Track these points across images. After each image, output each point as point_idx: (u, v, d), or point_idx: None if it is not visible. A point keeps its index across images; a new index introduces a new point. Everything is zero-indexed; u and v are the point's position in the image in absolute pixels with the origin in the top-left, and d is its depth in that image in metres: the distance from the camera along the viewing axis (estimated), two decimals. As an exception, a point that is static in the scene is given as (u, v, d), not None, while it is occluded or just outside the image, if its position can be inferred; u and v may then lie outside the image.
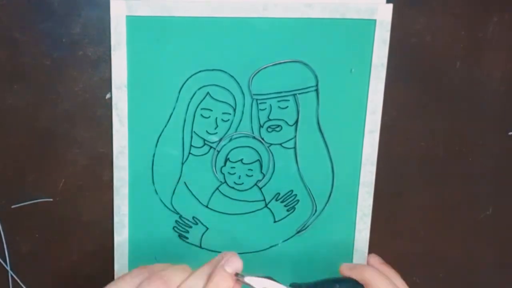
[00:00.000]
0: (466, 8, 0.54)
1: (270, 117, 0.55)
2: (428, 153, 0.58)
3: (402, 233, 0.60)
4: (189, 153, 0.56)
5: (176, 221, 0.58)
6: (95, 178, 0.56)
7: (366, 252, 0.59)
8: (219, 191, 0.57)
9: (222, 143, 0.56)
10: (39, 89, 0.54)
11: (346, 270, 0.52)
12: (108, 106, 0.54)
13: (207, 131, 0.56)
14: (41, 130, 0.55)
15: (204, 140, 0.56)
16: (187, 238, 0.58)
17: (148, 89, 0.54)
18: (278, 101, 0.55)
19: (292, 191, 0.57)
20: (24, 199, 0.56)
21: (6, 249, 0.57)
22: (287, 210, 0.58)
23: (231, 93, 0.54)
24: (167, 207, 0.57)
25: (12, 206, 0.56)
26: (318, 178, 0.57)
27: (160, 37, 0.53)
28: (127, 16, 0.52)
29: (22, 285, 0.58)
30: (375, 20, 0.53)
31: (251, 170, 0.57)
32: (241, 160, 0.56)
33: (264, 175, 0.57)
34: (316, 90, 0.55)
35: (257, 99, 0.55)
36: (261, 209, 0.58)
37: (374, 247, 0.59)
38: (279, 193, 0.57)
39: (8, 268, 0.58)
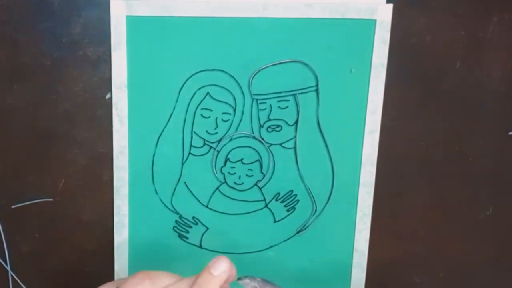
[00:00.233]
0: (466, 8, 0.54)
1: (270, 117, 0.55)
2: (428, 153, 0.58)
3: (402, 233, 0.60)
4: (189, 153, 0.56)
5: (176, 221, 0.58)
6: (95, 178, 0.56)
7: (366, 253, 0.59)
8: (219, 191, 0.57)
9: (222, 143, 0.56)
10: (39, 89, 0.54)
11: None
12: (108, 106, 0.54)
13: (207, 131, 0.56)
14: (41, 130, 0.55)
15: (204, 140, 0.56)
16: (187, 238, 0.58)
17: (148, 89, 0.54)
18: (278, 101, 0.55)
19: (292, 191, 0.57)
20: (24, 199, 0.56)
21: (6, 249, 0.57)
22: (287, 210, 0.58)
23: (231, 93, 0.54)
24: (167, 207, 0.57)
25: (12, 206, 0.56)
26: (318, 178, 0.57)
27: (160, 37, 0.53)
28: (127, 16, 0.52)
29: (22, 285, 0.58)
30: (375, 20, 0.53)
31: (251, 170, 0.57)
32: (241, 160, 0.56)
33: (264, 175, 0.57)
34: (316, 90, 0.55)
35: (257, 99, 0.55)
36: (261, 209, 0.58)
37: (374, 247, 0.59)
38: (279, 193, 0.57)
39: (8, 268, 0.58)
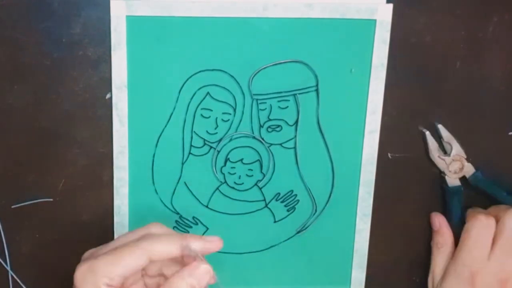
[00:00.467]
0: (466, 8, 0.54)
1: (270, 117, 0.55)
2: (428, 153, 0.58)
3: (402, 233, 0.60)
4: (189, 153, 0.56)
5: (176, 221, 0.58)
6: (95, 178, 0.56)
7: (366, 253, 0.59)
8: (219, 191, 0.57)
9: (222, 143, 0.56)
10: (39, 89, 0.54)
11: None
12: (108, 106, 0.54)
13: (207, 131, 0.56)
14: (41, 130, 0.55)
15: (204, 140, 0.56)
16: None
17: (148, 89, 0.54)
18: (278, 101, 0.55)
19: (292, 191, 0.57)
20: (24, 199, 0.56)
21: (6, 249, 0.57)
22: (287, 210, 0.58)
23: (231, 93, 0.54)
24: (167, 207, 0.57)
25: (12, 206, 0.56)
26: (318, 178, 0.57)
27: (160, 37, 0.53)
28: (127, 16, 0.52)
29: (22, 285, 0.58)
30: (375, 20, 0.53)
31: (251, 170, 0.57)
32: (241, 160, 0.56)
33: (264, 175, 0.57)
34: (316, 90, 0.55)
35: (257, 99, 0.55)
36: (261, 209, 0.58)
37: (374, 247, 0.59)
38: (279, 193, 0.57)
39: (8, 268, 0.58)
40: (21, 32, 0.53)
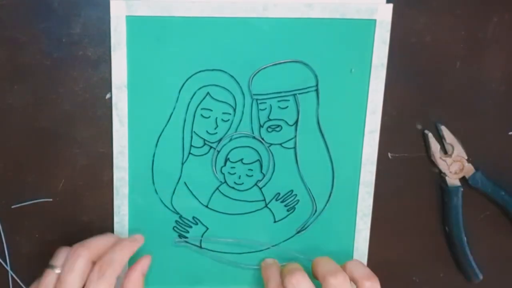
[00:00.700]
0: (466, 8, 0.54)
1: (270, 117, 0.55)
2: (429, 154, 0.58)
3: (403, 232, 0.60)
4: (189, 153, 0.56)
5: (176, 221, 0.58)
6: (95, 178, 0.56)
7: (366, 253, 0.59)
8: (219, 191, 0.57)
9: (222, 143, 0.56)
10: (39, 89, 0.54)
11: None
12: (108, 106, 0.54)
13: (207, 131, 0.56)
14: (41, 130, 0.55)
15: (204, 140, 0.56)
16: (187, 238, 0.58)
17: (148, 89, 0.54)
18: (278, 101, 0.55)
19: (292, 191, 0.57)
20: (24, 199, 0.56)
21: (6, 249, 0.57)
22: (287, 210, 0.58)
23: (231, 93, 0.54)
24: (167, 207, 0.57)
25: (12, 206, 0.56)
26: (318, 178, 0.57)
27: (160, 37, 0.53)
28: (127, 16, 0.52)
29: (22, 285, 0.58)
30: (375, 20, 0.53)
31: (251, 170, 0.57)
32: (241, 160, 0.56)
33: (264, 175, 0.57)
34: (316, 90, 0.55)
35: (257, 99, 0.55)
36: (261, 209, 0.58)
37: (374, 247, 0.59)
38: (279, 193, 0.57)
39: (8, 268, 0.58)
40: (21, 32, 0.53)
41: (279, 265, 0.56)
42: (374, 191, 0.58)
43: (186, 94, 0.54)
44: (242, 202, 0.57)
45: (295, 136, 0.56)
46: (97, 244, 0.50)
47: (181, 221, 0.58)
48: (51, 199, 0.57)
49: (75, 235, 0.57)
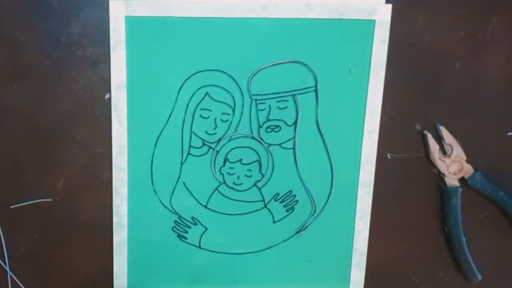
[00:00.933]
0: (466, 8, 0.54)
1: (269, 118, 0.55)
2: (428, 154, 0.57)
3: (402, 233, 0.60)
4: (188, 153, 0.56)
5: (175, 221, 0.58)
6: (94, 178, 0.56)
7: (365, 253, 0.59)
8: (218, 191, 0.57)
9: (221, 143, 0.56)
10: (38, 89, 0.54)
11: None
12: (107, 106, 0.54)
13: (206, 131, 0.56)
14: (40, 130, 0.55)
15: (203, 140, 0.56)
16: (186, 238, 0.58)
17: (147, 89, 0.54)
18: (277, 101, 0.55)
19: (291, 191, 0.57)
20: (23, 199, 0.56)
21: (5, 249, 0.57)
22: (286, 211, 0.58)
23: (230, 93, 0.54)
24: (166, 207, 0.57)
25: (11, 206, 0.56)
26: (317, 178, 0.57)
27: (159, 37, 0.53)
28: (126, 17, 0.52)
29: (22, 285, 0.58)
30: (374, 21, 0.53)
31: (250, 170, 0.57)
32: (240, 160, 0.56)
33: (263, 176, 0.57)
34: (315, 90, 0.55)
35: (256, 100, 0.55)
36: (260, 209, 0.58)
37: (373, 247, 0.59)
38: (278, 194, 0.57)
39: (7, 268, 0.58)
40: (21, 32, 0.53)
41: None
42: (373, 191, 0.58)
43: (185, 94, 0.54)
44: (241, 203, 0.57)
45: (294, 137, 0.56)
46: None
47: (180, 221, 0.58)
48: (50, 199, 0.57)
49: (74, 235, 0.58)
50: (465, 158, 0.57)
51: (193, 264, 0.59)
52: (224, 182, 0.57)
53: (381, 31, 0.53)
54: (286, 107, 0.55)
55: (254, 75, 0.54)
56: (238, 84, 0.54)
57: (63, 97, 0.54)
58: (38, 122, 0.55)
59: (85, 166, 0.56)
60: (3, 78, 0.54)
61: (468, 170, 0.57)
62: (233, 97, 0.55)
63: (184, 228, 0.58)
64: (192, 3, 0.52)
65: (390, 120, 0.56)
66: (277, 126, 0.56)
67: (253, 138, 0.56)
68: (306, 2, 0.52)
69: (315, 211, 0.58)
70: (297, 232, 0.59)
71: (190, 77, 0.54)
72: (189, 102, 0.55)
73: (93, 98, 0.54)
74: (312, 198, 0.58)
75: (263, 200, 0.57)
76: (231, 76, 0.54)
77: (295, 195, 0.58)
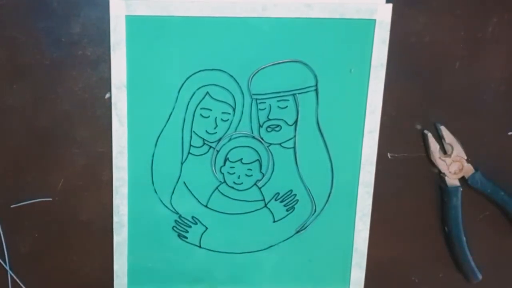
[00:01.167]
0: (466, 8, 0.54)
1: (270, 117, 0.55)
2: (428, 154, 0.57)
3: (402, 233, 0.60)
4: (189, 152, 0.56)
5: (176, 221, 0.58)
6: (95, 178, 0.56)
7: (366, 253, 0.59)
8: (219, 190, 0.57)
9: (222, 142, 0.56)
10: (38, 89, 0.54)
11: None
12: (107, 106, 0.54)
13: (206, 131, 0.56)
14: (40, 130, 0.55)
15: (204, 139, 0.56)
16: (186, 238, 0.58)
17: (148, 88, 0.54)
18: (278, 101, 0.55)
19: (291, 191, 0.57)
20: (24, 198, 0.56)
21: (6, 249, 0.57)
22: (287, 210, 0.58)
23: (231, 93, 0.54)
24: (166, 207, 0.57)
25: (12, 206, 0.56)
26: (317, 178, 0.57)
27: (159, 36, 0.53)
28: (127, 16, 0.52)
29: (22, 285, 0.58)
30: (374, 20, 0.53)
31: (251, 170, 0.57)
32: (241, 160, 0.56)
33: (263, 175, 0.57)
34: (316, 90, 0.55)
35: (256, 99, 0.55)
36: (260, 209, 0.58)
37: (373, 247, 0.59)
38: (278, 193, 0.57)
39: (8, 268, 0.58)
40: (21, 32, 0.53)
41: None
42: (373, 191, 0.58)
43: (186, 93, 0.54)
44: (241, 202, 0.57)
45: (295, 136, 0.56)
46: None
47: (180, 221, 0.58)
48: (50, 199, 0.57)
49: (74, 234, 0.57)
50: (466, 158, 0.57)
51: (193, 264, 0.59)
52: (225, 181, 0.57)
53: (381, 30, 0.53)
54: (287, 106, 0.55)
55: (254, 74, 0.54)
56: (238, 83, 0.54)
57: (63, 97, 0.54)
58: (38, 122, 0.55)
59: (85, 165, 0.56)
60: (3, 78, 0.54)
61: (468, 169, 0.57)
62: (233, 97, 0.55)
63: (185, 227, 0.58)
64: (192, 2, 0.52)
65: (390, 120, 0.56)
66: (278, 126, 0.56)
67: (253, 137, 0.56)
68: (306, 2, 0.53)
69: (315, 210, 0.58)
70: (297, 232, 0.59)
71: (190, 76, 0.54)
72: (189, 101, 0.55)
73: (93, 97, 0.54)
74: (313, 197, 0.58)
75: (264, 199, 0.57)
76: (231, 76, 0.54)
77: (295, 195, 0.58)
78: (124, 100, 0.54)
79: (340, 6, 0.53)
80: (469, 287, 0.61)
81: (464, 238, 0.58)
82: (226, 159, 0.56)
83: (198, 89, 0.54)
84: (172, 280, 0.59)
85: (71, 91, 0.54)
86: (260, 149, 0.56)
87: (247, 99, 0.55)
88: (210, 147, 0.56)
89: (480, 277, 0.59)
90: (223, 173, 0.57)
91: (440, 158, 0.57)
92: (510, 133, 0.58)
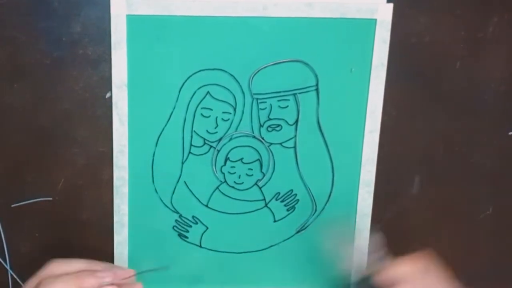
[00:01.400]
0: (466, 8, 0.55)
1: (270, 117, 0.55)
2: (428, 153, 0.58)
3: (402, 233, 0.60)
4: (189, 152, 0.56)
5: (176, 221, 0.57)
6: (95, 178, 0.56)
7: (366, 252, 0.59)
8: (219, 190, 0.57)
9: (222, 142, 0.56)
10: (39, 89, 0.54)
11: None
12: (108, 105, 0.54)
13: (207, 131, 0.55)
14: (41, 129, 0.55)
15: (204, 139, 0.56)
16: (187, 237, 0.58)
17: (148, 88, 0.54)
18: (278, 100, 0.55)
19: (292, 190, 0.57)
20: (24, 198, 0.56)
21: (6, 248, 0.57)
22: (287, 210, 0.58)
23: (231, 92, 0.54)
24: (167, 206, 0.57)
25: (12, 205, 0.56)
26: (318, 178, 0.57)
27: (160, 36, 0.53)
28: (127, 15, 0.52)
29: (22, 284, 0.58)
30: (375, 20, 0.53)
31: (251, 169, 0.57)
32: (241, 159, 0.56)
33: (264, 175, 0.57)
34: (316, 89, 0.55)
35: (257, 99, 0.55)
36: (261, 208, 0.58)
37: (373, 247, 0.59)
38: (279, 193, 0.57)
39: (8, 267, 0.58)
40: (21, 31, 0.53)
41: None
42: (374, 191, 0.58)
43: (186, 93, 0.54)
44: (242, 202, 0.57)
45: (295, 136, 0.56)
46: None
47: (181, 220, 0.57)
48: (51, 198, 0.56)
49: (75, 234, 0.57)
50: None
51: (194, 263, 0.58)
52: (225, 181, 0.57)
53: (382, 30, 0.54)
54: (287, 106, 0.55)
55: (255, 74, 0.54)
56: (239, 83, 0.54)
57: (63, 97, 0.54)
58: (39, 121, 0.55)
59: (86, 165, 0.56)
60: (3, 78, 0.53)
61: None
62: (234, 96, 0.55)
63: (185, 227, 0.58)
64: (193, 2, 0.52)
65: (391, 119, 0.56)
66: (278, 125, 0.56)
67: (254, 137, 0.56)
68: (307, 1, 0.53)
69: (315, 210, 0.58)
70: (298, 232, 0.59)
71: (191, 76, 0.54)
72: (190, 101, 0.54)
73: (93, 97, 0.54)
74: (313, 197, 0.58)
75: (264, 199, 0.57)
76: (232, 75, 0.54)
77: (296, 195, 0.58)
78: (125, 100, 0.54)
79: (341, 5, 0.53)
80: (470, 286, 0.61)
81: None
82: (226, 159, 0.56)
83: (198, 88, 0.54)
84: (173, 280, 0.59)
85: (72, 91, 0.54)
86: (260, 148, 0.56)
87: (248, 99, 0.55)
88: (211, 146, 0.56)
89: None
90: (223, 173, 0.57)
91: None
92: (510, 133, 0.58)
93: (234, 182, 0.57)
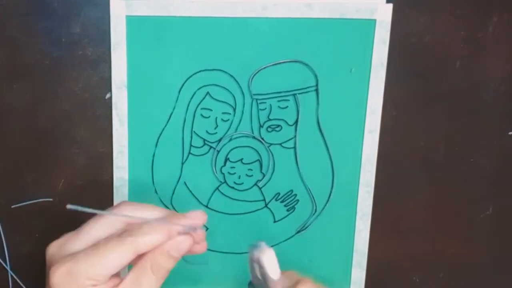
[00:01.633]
0: (466, 8, 0.54)
1: (270, 117, 0.55)
2: (428, 153, 0.58)
3: (402, 233, 0.60)
4: (189, 153, 0.56)
5: (176, 221, 0.57)
6: (95, 178, 0.56)
7: (366, 253, 0.59)
8: (219, 191, 0.57)
9: (222, 143, 0.56)
10: (38, 89, 0.54)
11: None
12: (108, 106, 0.54)
13: (207, 131, 0.56)
14: (40, 130, 0.55)
15: (204, 140, 0.56)
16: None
17: (148, 88, 0.54)
18: (278, 101, 0.55)
19: (292, 191, 0.57)
20: (24, 199, 0.56)
21: (6, 249, 0.57)
22: (287, 210, 0.58)
23: (231, 93, 0.54)
24: (167, 207, 0.57)
25: (12, 206, 0.56)
26: (318, 178, 0.57)
27: (160, 36, 0.53)
28: (127, 16, 0.52)
29: (22, 285, 0.58)
30: (375, 20, 0.53)
31: (251, 170, 0.57)
32: (241, 160, 0.56)
33: (264, 175, 0.57)
34: (316, 90, 0.55)
35: (257, 99, 0.55)
36: (261, 209, 0.58)
37: (373, 247, 0.59)
38: (279, 193, 0.57)
39: (8, 268, 0.58)
40: (21, 31, 0.52)
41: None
42: (374, 191, 0.58)
43: (186, 93, 0.54)
44: (242, 202, 0.57)
45: (295, 136, 0.56)
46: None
47: (181, 221, 0.57)
48: (51, 199, 0.57)
49: (75, 235, 0.57)
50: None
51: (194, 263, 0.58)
52: (225, 181, 0.57)
53: (381, 30, 0.53)
54: (287, 106, 0.55)
55: (254, 74, 0.54)
56: (238, 83, 0.54)
57: (63, 97, 0.54)
58: (39, 121, 0.55)
59: (86, 165, 0.56)
60: (3, 78, 0.53)
61: None
62: (234, 97, 0.55)
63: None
64: (192, 2, 0.52)
65: (391, 119, 0.56)
66: (278, 126, 0.56)
67: (254, 137, 0.56)
68: (306, 2, 0.53)
69: (315, 210, 0.58)
70: (298, 232, 0.59)
71: (190, 76, 0.54)
72: (189, 101, 0.54)
73: (93, 97, 0.54)
74: (313, 197, 0.58)
75: (264, 199, 0.57)
76: (231, 76, 0.54)
77: (295, 195, 0.58)
78: (125, 100, 0.54)
79: (340, 6, 0.53)
80: (470, 286, 0.61)
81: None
82: (226, 159, 0.56)
83: (198, 89, 0.54)
84: (172, 280, 0.59)
85: (71, 91, 0.54)
86: (260, 149, 0.56)
87: (248, 99, 0.55)
88: (211, 147, 0.56)
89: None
90: (223, 173, 0.57)
91: None
92: (510, 133, 0.58)
93: (234, 182, 0.57)
